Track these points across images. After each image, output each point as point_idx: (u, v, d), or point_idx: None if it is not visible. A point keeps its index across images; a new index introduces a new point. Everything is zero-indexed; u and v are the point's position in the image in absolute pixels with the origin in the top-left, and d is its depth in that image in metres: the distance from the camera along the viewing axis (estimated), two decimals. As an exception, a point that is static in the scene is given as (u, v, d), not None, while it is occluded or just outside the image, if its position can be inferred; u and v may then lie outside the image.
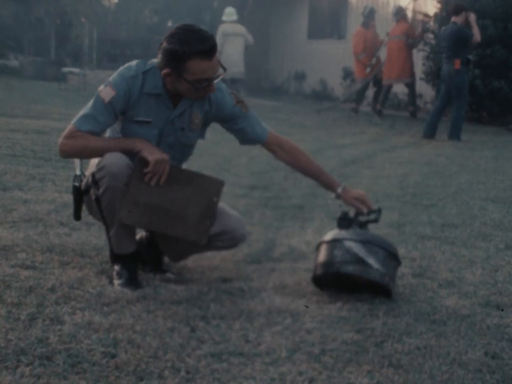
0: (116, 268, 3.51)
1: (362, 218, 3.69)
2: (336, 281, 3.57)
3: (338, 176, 7.15)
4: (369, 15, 15.13)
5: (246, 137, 3.69)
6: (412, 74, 14.79)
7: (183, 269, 3.83)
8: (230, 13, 16.07)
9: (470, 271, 4.10)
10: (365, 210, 3.67)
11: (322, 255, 3.56)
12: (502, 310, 3.47)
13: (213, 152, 7.28)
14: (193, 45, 3.26)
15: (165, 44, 3.32)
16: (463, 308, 3.47)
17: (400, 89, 15.91)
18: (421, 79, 15.03)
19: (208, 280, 3.68)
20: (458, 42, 11.07)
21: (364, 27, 15.16)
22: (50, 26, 25.12)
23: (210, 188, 3.50)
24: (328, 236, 3.62)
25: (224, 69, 3.41)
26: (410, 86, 14.96)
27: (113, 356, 2.66)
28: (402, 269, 4.05)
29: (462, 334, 3.12)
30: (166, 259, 3.82)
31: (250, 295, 3.48)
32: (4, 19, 25.19)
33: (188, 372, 2.60)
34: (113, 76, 3.45)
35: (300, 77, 21.42)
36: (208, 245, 3.59)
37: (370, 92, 15.80)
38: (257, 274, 3.80)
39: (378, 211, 3.72)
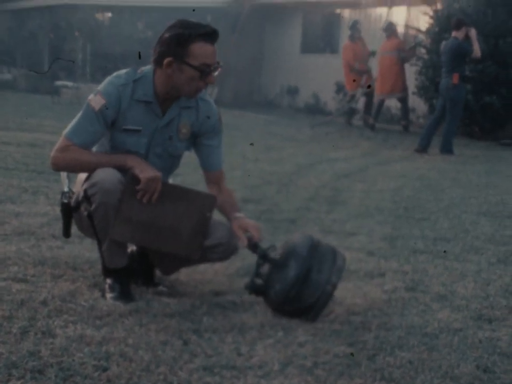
0: (108, 281, 3.50)
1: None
2: None
3: (331, 190, 7.23)
4: (353, 28, 15.43)
5: (206, 157, 3.68)
6: (405, 89, 14.87)
7: (175, 282, 3.82)
8: None
9: (462, 285, 4.11)
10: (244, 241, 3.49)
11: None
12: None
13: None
14: (196, 28, 3.33)
15: (166, 34, 3.35)
16: (455, 322, 3.48)
17: (393, 103, 15.97)
18: (414, 93, 15.08)
19: (200, 293, 3.67)
20: (458, 57, 11.15)
21: (350, 40, 15.42)
22: (44, 40, 25.13)
23: (202, 203, 3.50)
24: None
25: (220, 64, 3.42)
26: (403, 100, 15.03)
27: (105, 369, 2.65)
28: (395, 283, 4.07)
29: (454, 348, 3.12)
30: (158, 272, 3.81)
31: (243, 308, 3.47)
32: (-3, 33, 25.27)
33: (180, 385, 2.60)
34: (103, 84, 3.44)
35: (293, 91, 21.45)
36: (201, 257, 3.57)
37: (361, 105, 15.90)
38: (250, 288, 3.80)
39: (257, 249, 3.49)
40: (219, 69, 3.42)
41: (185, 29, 3.32)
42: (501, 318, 3.57)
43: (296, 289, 3.33)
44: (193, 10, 17.38)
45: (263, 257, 3.45)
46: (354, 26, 15.39)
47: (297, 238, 3.55)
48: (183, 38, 3.31)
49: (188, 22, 3.37)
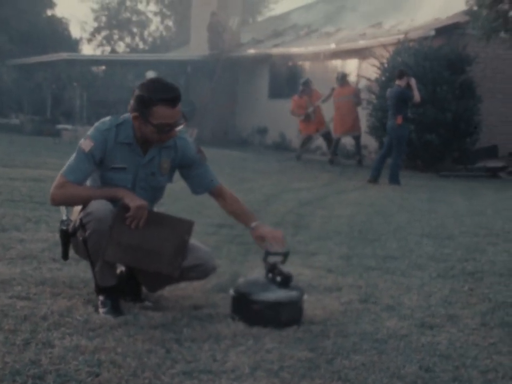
0: (101, 298, 3.47)
1: (270, 259, 3.50)
2: None
3: (295, 216, 7.22)
4: (304, 84, 15.66)
5: (199, 184, 3.70)
6: (360, 128, 15.03)
7: (159, 297, 3.79)
8: (149, 76, 16.46)
9: (407, 297, 4.11)
10: (269, 248, 3.52)
11: (235, 304, 3.52)
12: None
13: (187, 196, 7.23)
14: (159, 93, 3.34)
15: (136, 91, 3.40)
16: (402, 329, 3.47)
17: (348, 141, 16.07)
18: (366, 132, 15.19)
19: (181, 307, 3.64)
20: (401, 102, 11.32)
21: (298, 95, 15.77)
22: (47, 89, 25.08)
23: (182, 228, 3.51)
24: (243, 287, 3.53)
25: (186, 119, 3.46)
26: (357, 138, 15.17)
27: (98, 375, 2.63)
28: (350, 296, 4.06)
29: (400, 351, 3.12)
30: (144, 289, 3.78)
31: (218, 320, 3.45)
32: (7, 84, 25.15)
33: (163, 388, 2.57)
34: (91, 130, 3.50)
35: (263, 131, 21.55)
36: (182, 276, 3.58)
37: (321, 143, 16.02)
38: (224, 302, 3.75)
39: (284, 254, 3.52)
40: (182, 124, 3.44)
41: (150, 93, 3.35)
42: (441, 325, 3.57)
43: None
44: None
45: (271, 269, 3.47)
46: (306, 84, 15.58)
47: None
48: (147, 100, 3.35)
49: (154, 85, 3.39)
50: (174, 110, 3.38)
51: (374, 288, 4.28)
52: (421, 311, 3.81)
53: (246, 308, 3.43)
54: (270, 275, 3.47)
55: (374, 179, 11.56)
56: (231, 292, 3.54)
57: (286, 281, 3.46)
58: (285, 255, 3.52)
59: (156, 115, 3.36)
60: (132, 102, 3.42)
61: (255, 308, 3.40)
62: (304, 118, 15.38)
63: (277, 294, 3.41)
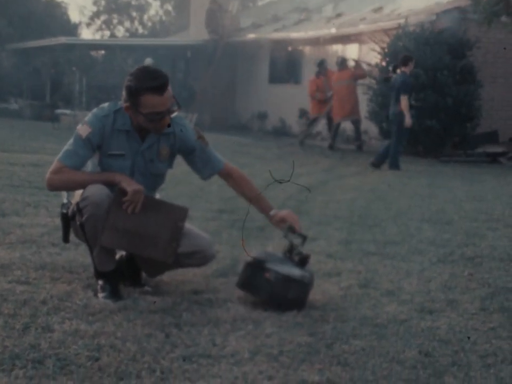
0: (100, 282, 3.47)
1: (289, 239, 3.58)
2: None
3: (296, 201, 7.21)
4: (320, 65, 15.56)
5: (205, 168, 3.70)
6: (359, 113, 14.97)
7: (159, 282, 3.80)
8: (147, 63, 16.41)
9: (407, 282, 4.12)
10: (292, 230, 3.60)
11: (244, 274, 3.55)
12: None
13: (188, 181, 7.25)
14: (144, 81, 3.32)
15: (125, 82, 3.39)
16: (401, 313, 3.48)
17: (348, 126, 16.03)
18: (366, 117, 15.15)
19: (181, 292, 3.65)
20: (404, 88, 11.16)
21: (316, 76, 15.61)
22: (46, 74, 25.00)
23: (176, 214, 3.52)
24: (256, 257, 3.57)
25: (179, 106, 3.45)
26: (356, 123, 15.12)
27: (97, 359, 2.64)
28: (350, 281, 4.07)
29: (400, 336, 3.13)
30: (144, 275, 3.78)
31: (218, 305, 3.45)
32: (6, 69, 25.09)
33: (162, 373, 2.58)
34: (89, 116, 3.49)
35: (262, 116, 21.51)
36: (181, 263, 3.59)
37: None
38: (224, 287, 3.78)
39: (305, 237, 3.64)
40: (175, 112, 3.44)
41: (136, 82, 3.34)
42: (440, 310, 3.58)
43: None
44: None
45: (290, 248, 3.55)
46: (322, 64, 15.53)
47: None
48: (134, 90, 3.35)
49: (140, 74, 3.37)
50: (162, 98, 3.35)
51: (373, 273, 4.29)
52: (420, 296, 3.82)
53: (257, 275, 3.45)
54: (288, 254, 3.54)
55: (378, 164, 11.43)
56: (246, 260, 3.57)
57: (303, 261, 3.53)
58: (305, 238, 3.63)
59: (144, 104, 3.34)
60: (123, 92, 3.41)
61: (266, 276, 3.42)
62: (325, 100, 15.32)
63: (291, 270, 3.46)
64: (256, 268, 3.49)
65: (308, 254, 3.58)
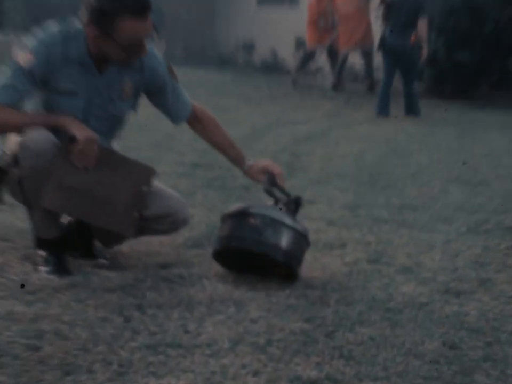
0: (42, 253, 3.47)
1: (271, 192, 3.66)
2: (238, 259, 3.58)
3: (290, 155, 7.22)
4: None
5: (177, 110, 3.71)
6: (371, 42, 14.84)
7: (117, 254, 3.80)
8: None
9: (428, 256, 4.15)
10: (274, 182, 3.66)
11: (224, 229, 3.58)
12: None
13: (154, 127, 7.24)
14: (124, 1, 3.24)
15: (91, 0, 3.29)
16: (421, 295, 3.51)
17: (356, 60, 15.96)
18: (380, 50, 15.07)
19: (144, 266, 3.65)
20: (417, 14, 11.00)
21: None
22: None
23: (140, 175, 3.49)
24: (235, 208, 3.62)
25: (157, 31, 3.41)
26: (368, 56, 15.04)
27: (37, 349, 2.64)
28: (356, 254, 4.09)
29: (418, 323, 3.15)
30: (98, 244, 3.78)
31: (191, 282, 3.46)
32: None
33: (120, 365, 2.58)
34: (32, 41, 3.39)
35: (249, 46, 21.39)
36: (146, 229, 3.58)
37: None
38: (199, 260, 3.79)
39: (297, 199, 3.67)
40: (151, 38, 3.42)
41: (112, 1, 3.25)
42: (469, 292, 3.61)
43: None
44: None
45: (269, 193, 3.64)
46: None
47: None
48: (109, 12, 3.26)
49: None
50: (145, 23, 3.31)
51: (386, 245, 4.31)
52: (445, 274, 3.85)
53: (240, 225, 3.48)
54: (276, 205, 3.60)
55: (385, 114, 11.34)
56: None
57: (296, 205, 3.60)
58: (298, 199, 3.64)
59: (122, 30, 3.28)
60: (85, 12, 3.33)
61: (251, 223, 3.44)
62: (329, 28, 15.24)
63: (281, 215, 3.50)
64: (237, 218, 3.52)
65: (298, 195, 3.63)
